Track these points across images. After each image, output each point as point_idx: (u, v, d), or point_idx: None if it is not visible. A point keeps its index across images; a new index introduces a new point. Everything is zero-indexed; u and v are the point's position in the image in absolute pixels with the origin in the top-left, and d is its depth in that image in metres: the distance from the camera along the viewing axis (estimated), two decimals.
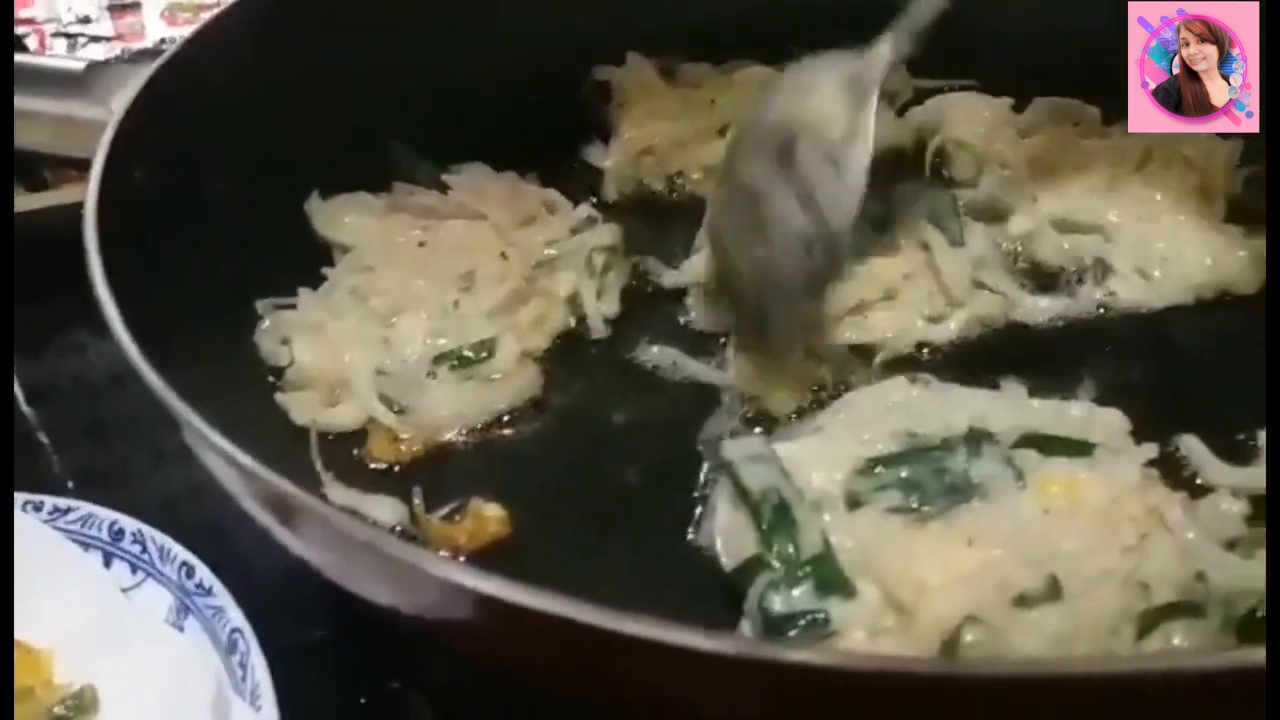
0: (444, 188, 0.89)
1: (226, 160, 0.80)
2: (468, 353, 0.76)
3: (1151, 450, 0.66)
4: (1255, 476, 0.69)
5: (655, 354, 0.80)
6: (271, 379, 0.77)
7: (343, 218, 0.85)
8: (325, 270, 0.82)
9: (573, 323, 0.82)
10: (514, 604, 0.44)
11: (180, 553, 0.69)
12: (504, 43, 1.00)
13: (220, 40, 0.84)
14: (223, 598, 0.67)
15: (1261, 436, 0.72)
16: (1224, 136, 0.89)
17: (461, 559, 0.67)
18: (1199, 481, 0.69)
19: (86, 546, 0.71)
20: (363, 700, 0.68)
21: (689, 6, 1.05)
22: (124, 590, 0.69)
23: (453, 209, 0.86)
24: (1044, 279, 0.85)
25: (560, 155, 0.97)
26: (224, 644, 0.66)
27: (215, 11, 0.89)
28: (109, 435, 0.89)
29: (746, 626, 0.60)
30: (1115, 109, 0.94)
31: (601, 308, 0.82)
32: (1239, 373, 0.78)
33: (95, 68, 0.84)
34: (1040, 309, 0.82)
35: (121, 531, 0.71)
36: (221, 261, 0.77)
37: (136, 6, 1.31)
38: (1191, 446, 0.70)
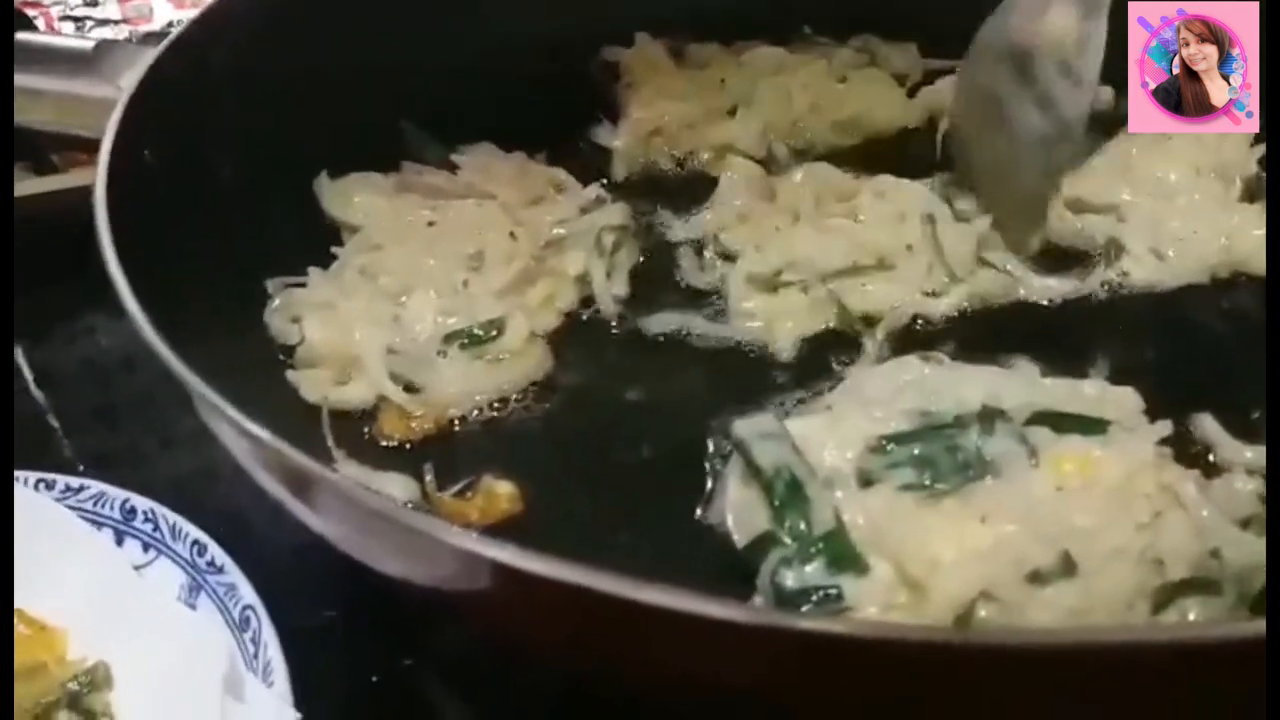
0: (453, 168, 0.88)
1: (236, 139, 0.81)
2: (478, 331, 0.76)
3: (1165, 428, 0.65)
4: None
5: (666, 321, 0.81)
6: (282, 357, 0.77)
7: (352, 197, 0.85)
8: (335, 249, 0.82)
9: (582, 302, 0.82)
10: (528, 572, 0.44)
11: (192, 531, 0.70)
12: (513, 23, 0.99)
13: (229, 19, 0.84)
14: (235, 575, 0.67)
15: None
16: None
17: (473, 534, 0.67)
18: (1213, 460, 0.69)
19: (99, 525, 0.71)
20: (375, 678, 0.68)
21: None
22: (136, 568, 0.69)
23: (461, 189, 0.85)
24: (1056, 260, 0.84)
25: (569, 136, 0.97)
26: (236, 621, 0.66)
27: None
28: (119, 418, 0.89)
29: (759, 602, 0.60)
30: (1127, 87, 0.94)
31: (611, 287, 0.82)
32: (1253, 352, 0.78)
33: (104, 46, 0.84)
34: (1047, 288, 0.82)
35: (133, 510, 0.71)
36: (231, 240, 0.77)
37: None
38: (1205, 425, 0.70)
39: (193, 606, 0.67)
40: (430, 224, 0.82)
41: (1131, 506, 0.60)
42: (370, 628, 0.70)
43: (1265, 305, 0.79)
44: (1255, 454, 0.69)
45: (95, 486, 0.72)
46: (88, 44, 0.84)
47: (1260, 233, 0.83)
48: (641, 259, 0.86)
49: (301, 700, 0.62)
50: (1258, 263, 0.83)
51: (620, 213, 0.86)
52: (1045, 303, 0.81)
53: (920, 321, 0.79)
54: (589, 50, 1.02)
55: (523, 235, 0.82)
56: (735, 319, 0.80)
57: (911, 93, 1.00)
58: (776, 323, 0.78)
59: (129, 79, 0.75)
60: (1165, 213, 0.84)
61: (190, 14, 1.21)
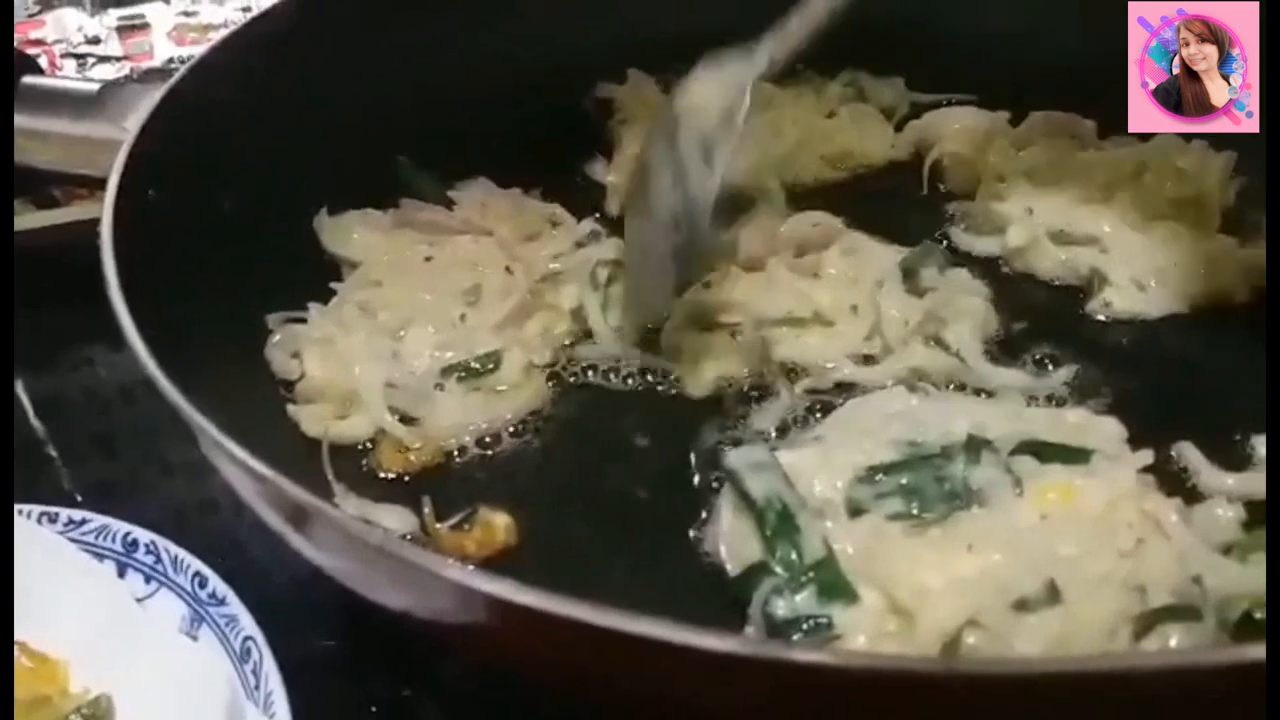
0: (450, 204, 0.90)
1: (237, 178, 0.82)
2: (474, 365, 0.77)
3: (1147, 457, 0.67)
4: (1250, 482, 0.70)
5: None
6: (283, 392, 0.79)
7: (351, 234, 0.86)
8: (334, 285, 0.84)
9: (578, 335, 0.84)
10: (522, 605, 0.46)
11: (193, 563, 0.70)
12: (508, 61, 1.02)
13: (231, 61, 0.86)
14: (235, 606, 0.68)
15: (1257, 442, 0.73)
16: (1217, 148, 0.91)
17: (470, 567, 0.68)
18: (1195, 487, 0.70)
19: (101, 557, 0.72)
20: (374, 708, 0.69)
21: (689, 24, 1.07)
22: (138, 600, 0.70)
23: (459, 224, 0.87)
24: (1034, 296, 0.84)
25: (564, 171, 0.98)
26: (237, 652, 0.67)
27: (225, 32, 0.90)
28: (118, 449, 0.90)
29: (751, 631, 0.61)
30: (1111, 122, 0.96)
31: (606, 320, 0.84)
32: (1234, 380, 0.80)
33: (109, 88, 0.85)
34: (996, 377, 0.77)
35: (135, 542, 0.72)
36: (233, 277, 0.79)
37: (145, 27, 1.33)
38: (1187, 453, 0.72)
39: (194, 638, 0.68)
40: (428, 259, 0.84)
41: (1114, 534, 0.61)
42: (369, 659, 0.71)
43: (1266, 316, 0.79)
44: (1236, 481, 0.70)
45: (97, 519, 0.73)
46: (93, 86, 0.85)
47: (1238, 263, 0.85)
48: None
49: None
50: (1237, 292, 0.85)
51: (614, 247, 0.87)
52: (986, 388, 0.77)
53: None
54: (584, 87, 1.04)
55: (519, 270, 0.83)
56: (665, 352, 0.80)
57: (899, 126, 1.02)
58: (698, 363, 0.78)
59: (133, 120, 0.76)
60: (1146, 244, 0.86)
61: (191, 50, 1.24)
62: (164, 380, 0.59)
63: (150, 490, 0.86)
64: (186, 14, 1.35)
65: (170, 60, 1.29)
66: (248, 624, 0.67)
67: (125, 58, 1.30)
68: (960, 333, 0.80)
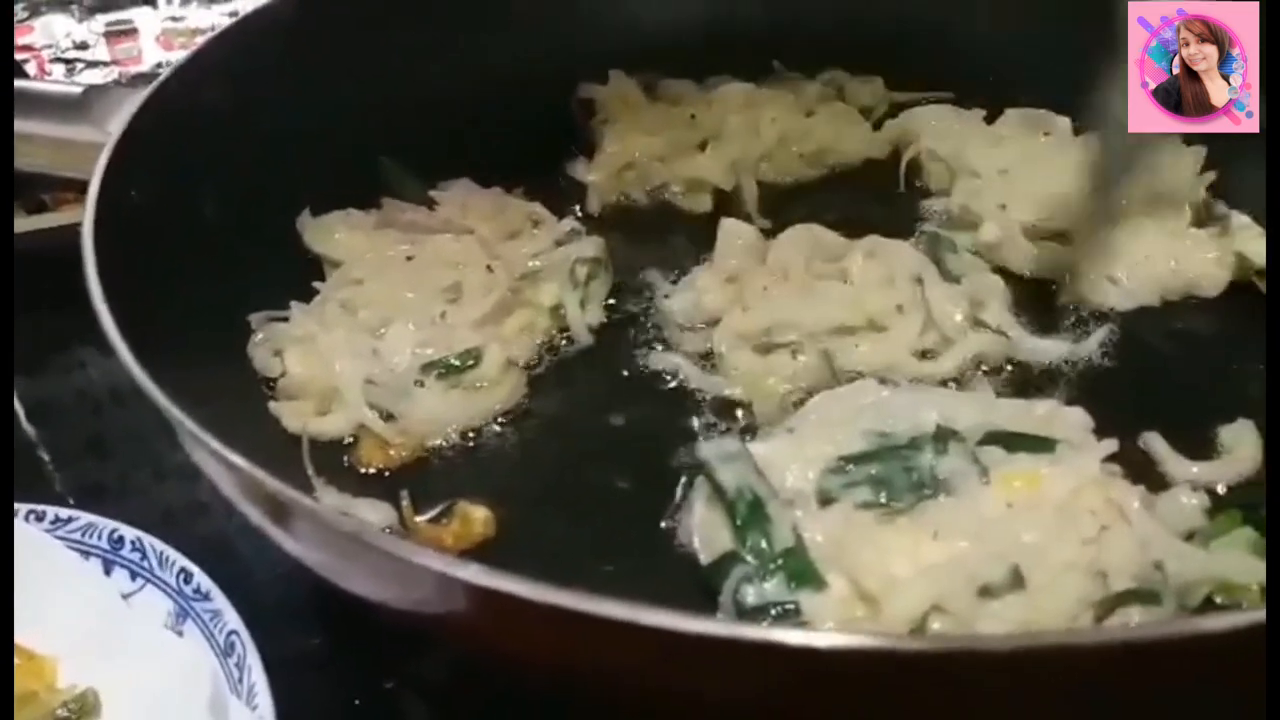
0: (432, 203, 0.91)
1: (220, 179, 0.83)
2: (454, 362, 0.78)
3: (1111, 445, 0.68)
4: (1214, 470, 0.72)
5: (653, 360, 0.82)
6: (265, 389, 0.80)
7: (333, 233, 0.87)
8: (316, 284, 0.85)
9: (557, 332, 0.85)
10: (495, 590, 0.47)
11: (178, 559, 0.71)
12: (490, 61, 1.03)
13: (214, 64, 0.87)
14: (220, 602, 0.69)
15: (1222, 432, 0.74)
16: (1188, 143, 0.92)
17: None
18: (1161, 476, 0.72)
19: (87, 555, 0.73)
20: (357, 701, 0.70)
21: (670, 25, 1.09)
22: (124, 596, 0.71)
23: (440, 224, 0.88)
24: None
25: (546, 170, 0.99)
26: (221, 647, 0.68)
27: (208, 36, 0.92)
28: (109, 451, 0.91)
29: (721, 618, 0.62)
30: (1086, 119, 0.97)
31: (585, 317, 0.85)
32: (1202, 371, 0.81)
33: (93, 92, 0.86)
34: (1041, 350, 0.80)
35: (121, 540, 0.73)
36: (216, 277, 0.80)
37: (133, 32, 1.34)
38: (1153, 443, 0.73)
39: (179, 633, 0.69)
40: (409, 258, 0.85)
41: (1078, 522, 0.63)
42: (352, 652, 0.72)
43: (1266, 316, 0.81)
44: (1201, 470, 0.72)
45: (84, 517, 0.74)
46: (76, 89, 0.87)
47: (1207, 257, 0.86)
48: (616, 293, 0.88)
49: None
50: (1206, 284, 0.86)
51: (594, 245, 0.88)
52: (1035, 364, 0.80)
53: None
54: (565, 87, 1.04)
55: (499, 268, 0.84)
56: (722, 373, 0.80)
57: (877, 125, 1.03)
58: (762, 385, 0.78)
59: (116, 123, 0.78)
60: (1118, 239, 0.87)
61: (179, 55, 1.25)
62: (145, 378, 0.60)
63: (141, 492, 0.87)
64: (174, 19, 1.36)
65: (158, 65, 1.30)
66: (232, 619, 0.68)
67: (113, 62, 1.31)
68: (995, 310, 0.81)
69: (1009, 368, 0.80)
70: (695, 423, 0.77)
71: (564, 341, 0.85)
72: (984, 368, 0.80)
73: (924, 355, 0.80)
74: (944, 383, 0.78)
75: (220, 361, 0.79)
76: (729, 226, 0.88)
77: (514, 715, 0.68)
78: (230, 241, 0.82)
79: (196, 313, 0.77)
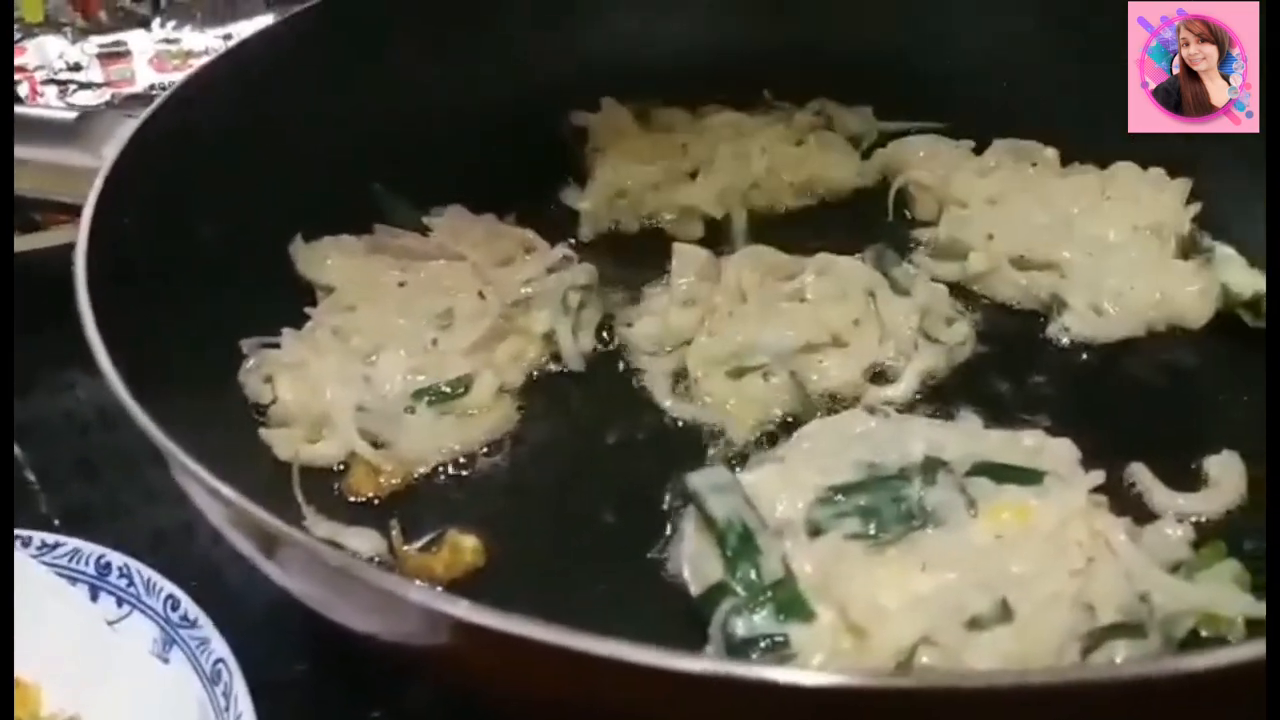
0: (425, 230, 0.91)
1: (214, 205, 0.83)
2: (445, 389, 0.79)
3: (1099, 477, 0.69)
4: (1200, 502, 0.72)
5: (645, 387, 0.82)
6: (256, 416, 0.80)
7: (325, 259, 0.88)
8: (308, 310, 0.85)
9: (548, 358, 0.85)
10: (479, 626, 0.47)
11: (166, 586, 0.71)
12: (484, 88, 1.03)
13: (208, 89, 0.88)
14: (207, 629, 0.69)
15: (1208, 463, 0.75)
16: (1171, 175, 0.93)
17: (438, 589, 0.69)
18: (1147, 507, 0.72)
19: (74, 580, 0.73)
20: None
21: (663, 54, 1.10)
22: (110, 623, 0.71)
23: (432, 250, 0.89)
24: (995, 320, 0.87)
25: (539, 197, 1.00)
26: (208, 674, 0.67)
27: (203, 61, 0.92)
28: (96, 473, 0.91)
29: (710, 651, 0.62)
30: (1073, 151, 0.99)
31: (577, 344, 0.85)
32: (1187, 402, 0.82)
33: (87, 117, 0.87)
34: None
35: (108, 565, 0.73)
36: (208, 303, 0.80)
37: (126, 54, 1.34)
38: (1139, 474, 0.73)
39: (165, 660, 0.69)
40: (401, 284, 0.85)
41: (1065, 553, 0.63)
42: (340, 680, 0.72)
43: (1266, 321, 0.82)
44: (1187, 501, 0.72)
45: (71, 543, 0.74)
46: (70, 115, 0.87)
47: (1192, 289, 0.87)
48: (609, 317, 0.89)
49: None
50: (1192, 316, 0.87)
51: (586, 272, 0.89)
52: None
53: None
54: (558, 115, 1.05)
55: (491, 294, 0.85)
56: (697, 400, 0.81)
57: (866, 154, 1.04)
58: (737, 410, 0.79)
59: (110, 149, 0.78)
60: (1104, 270, 0.88)
61: (173, 77, 1.25)
62: (134, 405, 0.60)
63: (129, 515, 0.86)
64: (168, 41, 1.36)
65: (152, 86, 1.30)
66: (219, 646, 0.68)
67: (106, 84, 1.31)
68: (940, 322, 0.84)
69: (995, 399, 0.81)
70: (686, 450, 0.77)
71: (556, 368, 0.85)
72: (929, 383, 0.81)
73: (881, 377, 0.81)
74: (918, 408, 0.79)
75: (211, 388, 0.79)
76: (682, 250, 0.89)
77: None
78: (223, 267, 0.82)
79: (189, 339, 0.77)
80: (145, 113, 0.82)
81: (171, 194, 0.81)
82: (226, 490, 0.54)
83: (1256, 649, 0.48)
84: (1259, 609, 0.63)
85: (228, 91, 0.89)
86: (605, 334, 0.88)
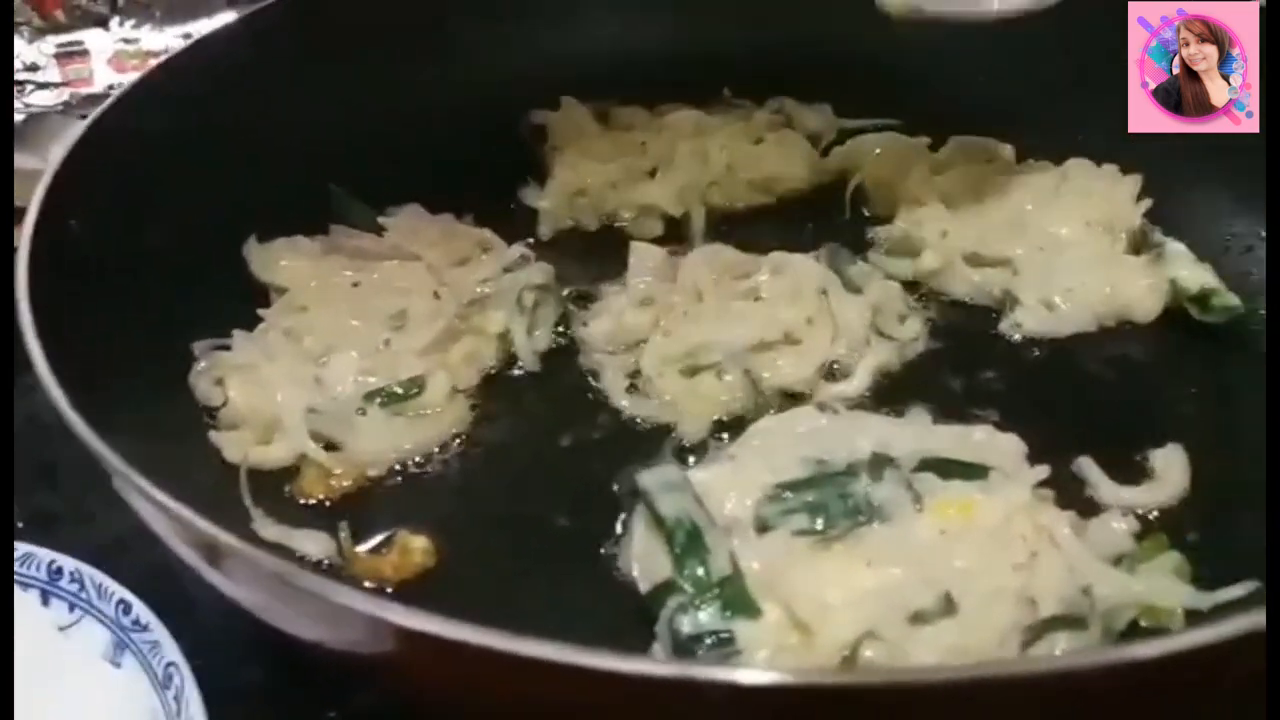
0: (380, 230, 0.91)
1: (165, 206, 0.83)
2: (397, 389, 0.79)
3: (1044, 472, 0.69)
4: (1145, 495, 0.73)
5: (600, 387, 0.82)
6: (207, 419, 0.79)
7: (279, 260, 0.87)
8: (261, 311, 0.84)
9: (504, 358, 0.85)
10: (421, 632, 0.47)
11: (118, 590, 0.71)
12: (441, 87, 1.03)
13: (159, 90, 0.87)
14: (159, 633, 0.68)
15: (1154, 456, 0.76)
16: (1124, 171, 0.94)
17: (388, 591, 0.69)
18: (1094, 501, 0.73)
19: (25, 586, 0.72)
20: None
21: (622, 51, 1.10)
22: (61, 629, 0.70)
23: (387, 250, 0.88)
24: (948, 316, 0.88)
25: (498, 196, 1.00)
26: (160, 678, 0.67)
27: (156, 61, 0.91)
28: (60, 479, 0.90)
29: (657, 649, 0.63)
30: (1029, 148, 0.99)
31: (532, 344, 0.85)
32: (1136, 397, 0.83)
33: (33, 119, 0.86)
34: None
35: (60, 570, 0.72)
36: (159, 305, 0.79)
37: (84, 54, 1.33)
38: (1086, 468, 0.74)
39: (117, 665, 0.69)
40: (355, 285, 0.85)
41: (1009, 548, 0.64)
42: (295, 682, 0.71)
43: (1266, 321, 0.82)
44: (1132, 494, 0.73)
45: (23, 548, 0.73)
46: (18, 117, 0.86)
47: (1143, 283, 0.88)
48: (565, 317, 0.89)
49: None
50: (1141, 311, 0.88)
51: (541, 272, 0.89)
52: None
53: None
54: (517, 113, 1.05)
55: (446, 295, 0.84)
56: (652, 398, 0.81)
57: (825, 152, 1.05)
58: (691, 407, 0.80)
59: (56, 151, 0.77)
60: (1055, 265, 0.89)
61: (131, 77, 1.24)
62: (69, 411, 0.59)
63: (91, 521, 0.86)
64: (126, 40, 1.35)
65: (110, 87, 1.29)
66: (171, 651, 0.67)
67: (64, 84, 1.30)
68: (893, 319, 0.84)
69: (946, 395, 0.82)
70: (640, 449, 0.77)
71: (511, 368, 0.85)
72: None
73: (834, 374, 0.82)
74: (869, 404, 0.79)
75: (162, 391, 0.78)
76: (638, 249, 0.90)
77: None
78: (175, 269, 0.82)
79: (138, 341, 0.76)
80: (93, 114, 0.81)
81: (121, 195, 0.80)
82: (162, 496, 0.54)
83: (1193, 638, 0.48)
84: (1199, 600, 0.64)
85: (181, 91, 0.88)
86: (562, 333, 0.88)
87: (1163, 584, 0.64)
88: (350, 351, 0.80)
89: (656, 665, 0.51)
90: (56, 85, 1.30)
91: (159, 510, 0.54)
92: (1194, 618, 0.64)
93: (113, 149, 0.81)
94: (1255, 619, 0.46)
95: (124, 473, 0.55)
